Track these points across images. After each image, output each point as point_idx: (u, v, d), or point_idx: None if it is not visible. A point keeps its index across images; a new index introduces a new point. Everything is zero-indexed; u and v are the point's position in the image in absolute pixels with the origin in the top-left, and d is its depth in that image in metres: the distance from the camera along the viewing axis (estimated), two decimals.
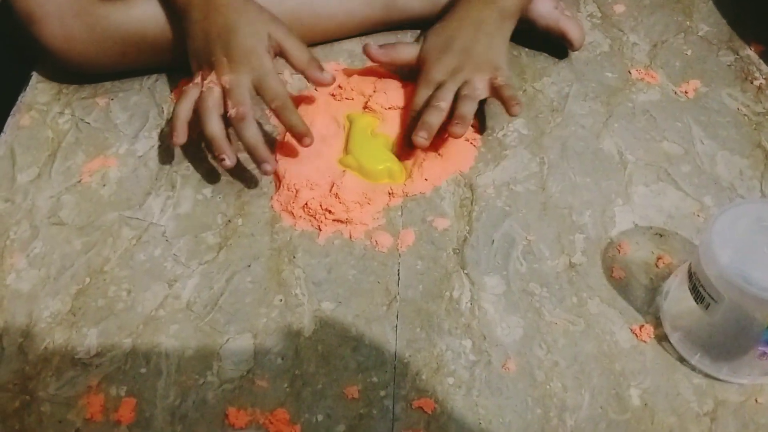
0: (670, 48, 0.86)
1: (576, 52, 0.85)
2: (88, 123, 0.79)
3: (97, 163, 0.75)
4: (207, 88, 0.70)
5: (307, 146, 0.71)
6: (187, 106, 0.71)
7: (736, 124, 0.78)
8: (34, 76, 0.83)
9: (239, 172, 0.74)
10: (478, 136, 0.77)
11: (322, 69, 0.73)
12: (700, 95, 0.81)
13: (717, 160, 0.75)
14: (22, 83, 0.82)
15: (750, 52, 0.85)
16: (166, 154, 0.76)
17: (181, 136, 0.70)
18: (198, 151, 0.76)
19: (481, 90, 0.74)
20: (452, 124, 0.71)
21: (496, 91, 0.74)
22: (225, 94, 0.70)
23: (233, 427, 0.59)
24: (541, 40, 0.85)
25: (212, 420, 0.59)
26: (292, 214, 0.71)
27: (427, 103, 0.73)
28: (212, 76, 0.71)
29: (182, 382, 0.61)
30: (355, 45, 0.85)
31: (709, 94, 0.81)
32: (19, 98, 0.81)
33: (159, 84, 0.82)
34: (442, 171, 0.74)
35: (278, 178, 0.73)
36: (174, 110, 0.71)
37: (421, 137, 0.70)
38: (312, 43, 0.84)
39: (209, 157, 0.74)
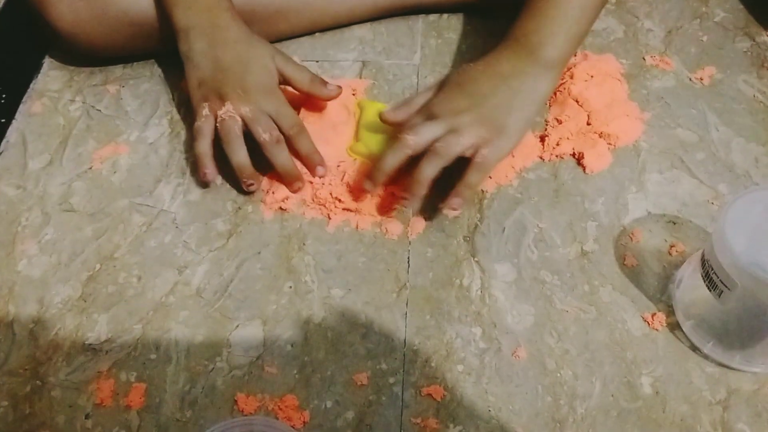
0: (685, 34, 0.85)
1: (590, 38, 0.84)
2: (99, 110, 0.79)
3: (108, 150, 0.75)
4: (228, 117, 0.70)
5: (320, 176, 0.71)
6: (207, 142, 0.71)
7: (751, 111, 0.77)
8: (46, 64, 0.83)
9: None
10: None
11: (326, 83, 0.73)
12: (715, 82, 0.80)
13: (732, 147, 0.74)
14: (33, 70, 0.83)
15: (766, 38, 0.84)
16: (176, 141, 0.76)
17: (211, 173, 0.71)
18: None
19: (460, 147, 0.65)
20: (401, 196, 0.68)
21: (470, 162, 0.66)
22: (247, 123, 0.70)
23: (242, 413, 0.59)
24: None
25: (221, 406, 0.59)
26: (303, 201, 0.71)
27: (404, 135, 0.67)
28: (228, 107, 0.70)
29: (192, 367, 0.61)
30: (366, 31, 0.85)
31: (725, 81, 0.80)
32: (31, 85, 0.81)
33: (170, 71, 0.82)
34: None
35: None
36: (196, 150, 0.71)
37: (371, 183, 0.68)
38: (322, 29, 0.84)
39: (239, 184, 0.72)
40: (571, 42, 0.70)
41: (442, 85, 0.71)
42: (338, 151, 0.74)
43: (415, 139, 0.66)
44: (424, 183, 0.66)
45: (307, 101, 0.75)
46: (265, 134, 0.69)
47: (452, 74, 0.71)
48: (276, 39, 0.79)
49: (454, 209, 0.67)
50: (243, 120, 0.70)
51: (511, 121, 0.67)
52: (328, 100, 0.75)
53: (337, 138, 0.74)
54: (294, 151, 0.71)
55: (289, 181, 0.71)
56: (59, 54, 0.84)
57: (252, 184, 0.70)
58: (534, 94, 0.69)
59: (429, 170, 0.65)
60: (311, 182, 0.71)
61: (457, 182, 0.66)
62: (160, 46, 0.79)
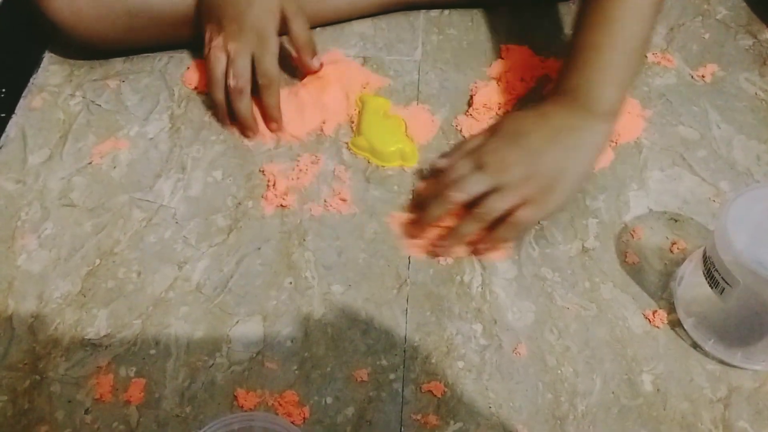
0: (687, 31, 0.85)
1: None
2: (99, 105, 0.79)
3: (108, 145, 0.75)
4: (213, 56, 0.74)
5: (273, 131, 0.75)
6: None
7: (753, 108, 0.77)
8: (46, 58, 0.83)
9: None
10: None
11: (313, 55, 0.76)
12: (717, 79, 0.80)
13: (734, 144, 0.74)
14: (34, 65, 0.82)
15: None
16: (176, 137, 0.76)
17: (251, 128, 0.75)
18: (209, 133, 0.76)
19: (502, 210, 0.64)
20: (436, 245, 0.67)
21: (506, 219, 0.64)
22: (228, 60, 0.73)
23: (242, 409, 0.58)
24: (556, 20, 0.85)
25: (221, 401, 0.59)
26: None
27: (445, 184, 0.66)
28: (219, 40, 0.73)
29: (191, 363, 0.61)
30: (366, 28, 0.85)
31: (727, 79, 0.80)
32: (31, 80, 0.81)
33: (170, 66, 0.82)
34: None
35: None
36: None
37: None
38: (322, 23, 0.84)
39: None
40: (622, 89, 0.67)
41: (492, 132, 0.68)
42: (307, 125, 0.76)
43: (459, 196, 0.64)
44: (460, 240, 0.66)
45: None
46: (232, 80, 0.73)
47: (504, 122, 0.69)
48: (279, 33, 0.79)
49: (479, 253, 0.67)
50: (227, 56, 0.73)
51: (562, 179, 0.64)
52: (308, 71, 0.78)
53: (314, 116, 0.76)
54: (259, 101, 0.75)
55: (242, 129, 0.75)
56: (59, 49, 0.83)
57: (227, 123, 0.75)
58: (588, 149, 0.66)
59: (467, 230, 0.65)
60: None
61: (491, 233, 0.65)
62: (158, 38, 0.79)
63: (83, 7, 0.75)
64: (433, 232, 0.67)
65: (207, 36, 0.75)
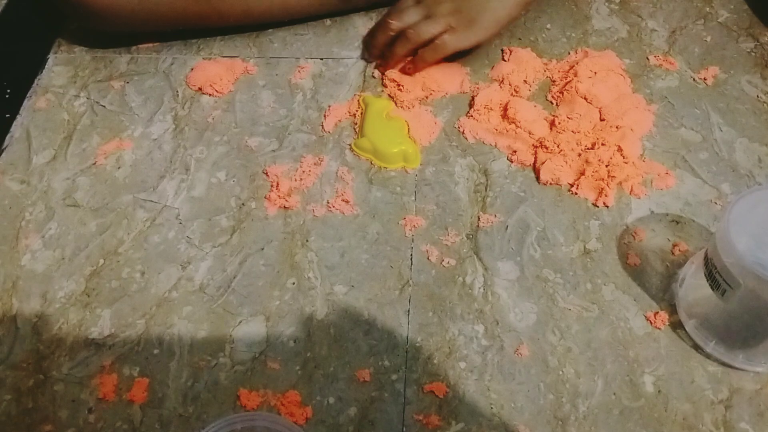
0: (689, 34, 0.85)
1: (593, 38, 0.84)
2: (104, 106, 0.79)
3: (112, 146, 0.75)
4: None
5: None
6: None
7: (755, 111, 0.77)
8: (50, 59, 0.83)
9: None
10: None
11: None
12: (719, 82, 0.80)
13: (735, 147, 0.74)
14: (38, 66, 0.83)
15: None
16: (180, 138, 0.76)
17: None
18: (212, 134, 0.76)
19: (428, 35, 0.76)
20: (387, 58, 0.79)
21: (429, 43, 0.77)
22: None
23: (245, 409, 0.59)
24: (558, 27, 0.85)
25: (224, 401, 0.59)
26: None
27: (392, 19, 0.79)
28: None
29: (195, 363, 0.61)
30: (370, 25, 0.85)
31: (729, 81, 0.80)
32: (35, 81, 0.81)
33: (174, 67, 0.82)
34: None
35: None
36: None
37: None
38: (272, 20, 0.84)
39: None
40: None
41: None
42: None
43: (395, 23, 0.78)
44: (395, 59, 0.79)
45: None
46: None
47: None
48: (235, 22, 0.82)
49: (408, 73, 0.79)
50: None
51: (485, 15, 0.77)
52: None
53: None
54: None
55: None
56: (64, 50, 0.84)
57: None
58: (511, 5, 0.77)
59: (399, 50, 0.78)
60: None
61: (414, 56, 0.78)
62: (169, 13, 0.79)
63: None
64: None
65: None
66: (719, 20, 0.87)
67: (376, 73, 0.81)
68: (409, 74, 0.79)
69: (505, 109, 0.75)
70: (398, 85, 0.78)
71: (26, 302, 0.65)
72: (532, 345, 0.62)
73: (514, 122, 0.74)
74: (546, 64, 0.81)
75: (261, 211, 0.70)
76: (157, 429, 0.58)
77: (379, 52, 0.81)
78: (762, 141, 0.75)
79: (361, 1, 0.86)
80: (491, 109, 0.76)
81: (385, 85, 0.80)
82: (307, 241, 0.68)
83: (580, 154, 0.72)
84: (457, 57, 0.80)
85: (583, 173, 0.71)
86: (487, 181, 0.72)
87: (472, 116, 0.76)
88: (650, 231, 0.69)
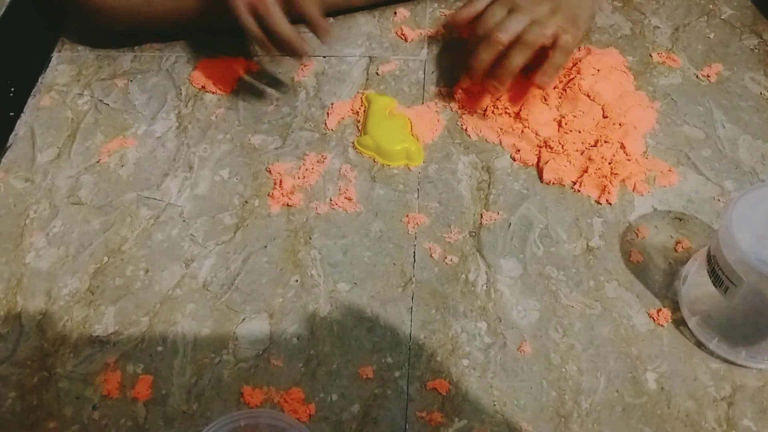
0: (692, 31, 0.85)
1: (596, 35, 0.84)
2: (107, 104, 0.79)
3: (116, 144, 0.76)
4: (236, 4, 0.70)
5: (326, 43, 0.74)
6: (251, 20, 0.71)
7: (758, 108, 0.77)
8: (54, 58, 0.84)
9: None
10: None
11: (302, 45, 0.71)
12: (722, 79, 0.80)
13: (738, 144, 0.74)
14: (42, 65, 0.83)
15: None
16: (183, 135, 0.76)
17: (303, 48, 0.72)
18: (216, 132, 0.76)
19: (543, 38, 0.71)
20: (491, 85, 0.73)
21: (551, 48, 0.72)
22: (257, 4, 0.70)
23: (248, 406, 0.59)
24: None
25: (227, 398, 0.59)
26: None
27: (490, 28, 0.72)
28: None
29: (198, 360, 0.61)
30: (372, 27, 0.85)
31: (732, 78, 0.80)
32: (39, 79, 0.82)
33: (177, 65, 0.82)
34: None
35: None
36: (247, 30, 0.71)
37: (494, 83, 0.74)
38: (334, 12, 0.84)
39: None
40: None
41: None
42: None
43: (505, 36, 0.71)
44: (513, 71, 0.72)
45: None
46: (264, 12, 0.69)
47: None
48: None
49: (543, 86, 0.73)
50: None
51: (580, 13, 0.74)
52: (298, 52, 0.72)
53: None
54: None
55: (293, 51, 0.71)
56: (68, 48, 0.84)
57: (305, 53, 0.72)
58: None
59: (519, 60, 0.72)
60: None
61: (544, 63, 0.72)
62: (175, 11, 0.79)
63: None
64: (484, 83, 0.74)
65: None
66: (722, 17, 0.87)
67: (380, 70, 0.81)
68: (543, 88, 0.73)
69: (520, 108, 0.75)
70: (511, 112, 0.75)
71: (31, 300, 0.65)
72: (535, 342, 0.62)
73: (522, 121, 0.74)
74: None
75: (264, 209, 0.71)
76: (161, 426, 0.58)
77: (485, 73, 0.73)
78: (765, 138, 0.75)
79: None
80: (495, 107, 0.76)
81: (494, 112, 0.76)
82: (310, 238, 0.69)
83: (582, 152, 0.72)
84: None
85: (586, 171, 0.71)
86: (490, 178, 0.72)
87: (476, 114, 0.76)
88: (653, 228, 0.69)
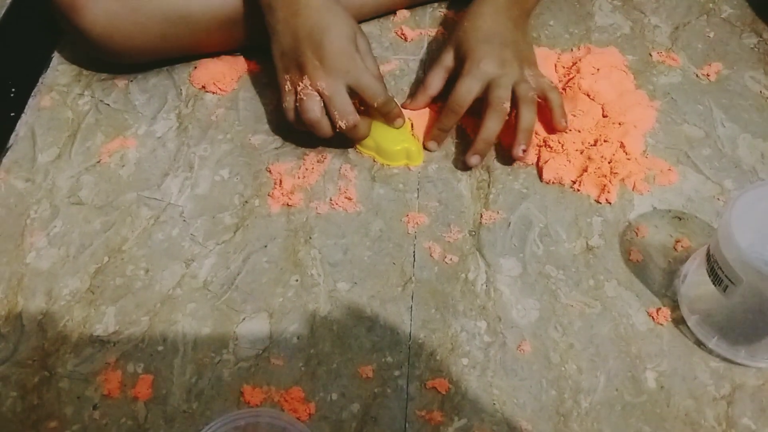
0: (692, 30, 0.85)
1: (596, 34, 0.84)
2: (108, 104, 0.79)
3: (116, 144, 0.76)
4: (306, 97, 0.69)
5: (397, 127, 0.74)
6: (293, 113, 0.71)
7: (758, 107, 0.77)
8: (55, 58, 0.84)
9: None
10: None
11: (396, 115, 0.73)
12: (722, 78, 0.80)
13: (738, 143, 0.74)
14: (43, 65, 0.83)
15: None
16: (184, 136, 0.76)
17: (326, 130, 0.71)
18: (216, 132, 0.76)
19: (534, 91, 0.71)
20: (518, 143, 0.70)
21: (545, 96, 0.73)
22: (324, 100, 0.69)
23: (248, 405, 0.59)
24: (561, 24, 0.85)
25: (228, 397, 0.60)
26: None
27: (488, 103, 0.71)
28: (305, 82, 0.69)
29: (198, 359, 0.62)
30: (372, 27, 0.85)
31: (732, 77, 0.80)
32: (40, 80, 0.82)
33: (178, 66, 0.82)
34: None
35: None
36: (290, 117, 0.71)
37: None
38: (364, 19, 0.85)
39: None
40: None
41: (456, 43, 0.75)
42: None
43: (506, 108, 0.70)
44: (492, 139, 0.71)
45: None
46: (341, 121, 0.69)
47: (469, 32, 0.74)
48: None
49: (522, 158, 0.72)
50: (321, 96, 0.69)
51: (532, 54, 0.76)
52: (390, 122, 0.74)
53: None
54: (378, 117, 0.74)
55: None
56: (68, 49, 0.84)
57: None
58: (527, 30, 0.78)
59: (529, 118, 0.71)
60: None
61: (516, 132, 0.71)
62: (190, 46, 0.79)
63: (120, 15, 0.73)
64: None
65: (287, 83, 0.71)
66: (722, 16, 0.87)
67: (380, 70, 0.80)
68: (523, 158, 0.72)
69: None
70: (550, 147, 0.74)
71: (31, 300, 0.65)
72: (535, 341, 0.62)
73: None
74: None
75: (264, 209, 0.71)
76: (161, 425, 0.58)
77: (492, 143, 0.72)
78: (765, 137, 0.75)
79: None
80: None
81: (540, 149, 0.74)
82: (310, 238, 0.69)
83: (582, 151, 0.72)
84: None
85: (585, 170, 0.71)
86: (489, 178, 0.72)
87: (475, 113, 0.76)
88: (653, 227, 0.69)
